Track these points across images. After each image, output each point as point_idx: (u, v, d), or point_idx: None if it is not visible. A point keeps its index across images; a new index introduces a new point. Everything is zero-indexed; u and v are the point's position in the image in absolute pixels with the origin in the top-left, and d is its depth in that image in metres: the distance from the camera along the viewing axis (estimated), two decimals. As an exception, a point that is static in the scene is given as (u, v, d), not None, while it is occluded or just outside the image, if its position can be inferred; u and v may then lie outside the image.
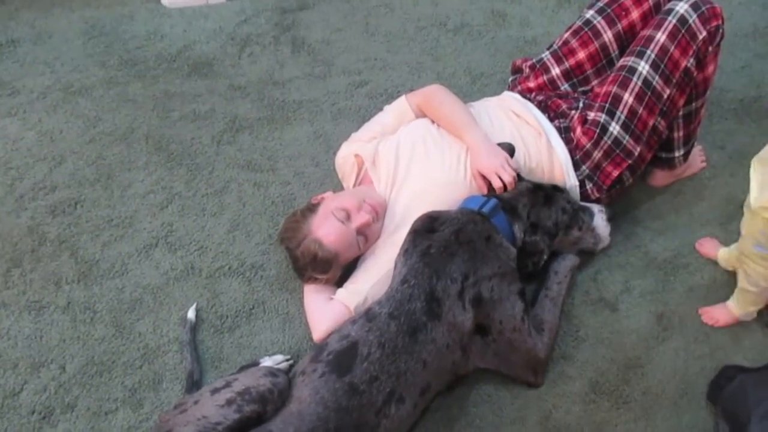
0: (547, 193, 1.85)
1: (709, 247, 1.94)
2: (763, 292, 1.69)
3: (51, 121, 2.38)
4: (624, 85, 1.86)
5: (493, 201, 1.77)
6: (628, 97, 1.86)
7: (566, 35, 2.08)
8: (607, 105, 1.89)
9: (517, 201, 1.81)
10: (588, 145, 1.92)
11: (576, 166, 1.94)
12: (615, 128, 1.89)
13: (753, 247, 1.60)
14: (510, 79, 2.23)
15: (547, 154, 1.94)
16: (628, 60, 1.87)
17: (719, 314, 1.80)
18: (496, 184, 1.82)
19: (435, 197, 1.85)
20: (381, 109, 2.11)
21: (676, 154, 2.01)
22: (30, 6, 2.81)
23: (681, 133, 1.97)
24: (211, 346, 1.83)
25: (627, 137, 1.89)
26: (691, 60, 1.81)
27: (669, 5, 1.84)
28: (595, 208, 1.92)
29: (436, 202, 1.83)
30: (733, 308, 1.77)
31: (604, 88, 1.92)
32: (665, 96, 1.85)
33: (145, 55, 2.60)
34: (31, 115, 2.40)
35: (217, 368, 1.79)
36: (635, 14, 1.97)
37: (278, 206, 2.12)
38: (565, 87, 2.09)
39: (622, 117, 1.88)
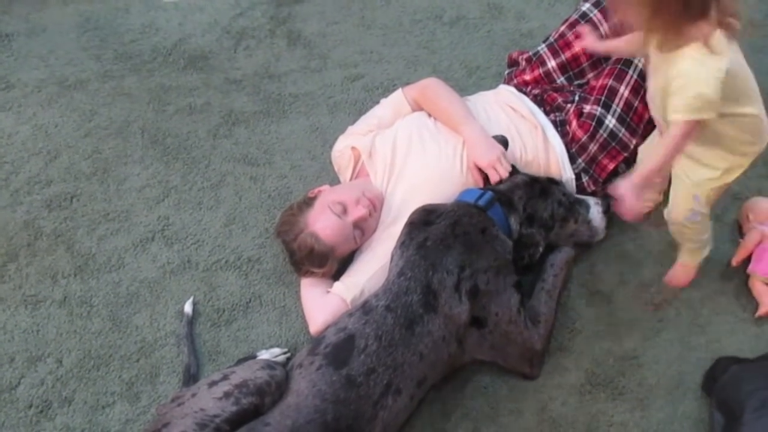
0: (543, 186, 1.85)
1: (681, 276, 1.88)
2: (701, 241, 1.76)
3: (46, 115, 2.37)
4: (620, 78, 1.86)
5: (489, 194, 1.78)
6: (623, 90, 1.86)
7: (562, 28, 2.07)
8: (603, 98, 1.89)
9: (513, 193, 1.81)
10: (584, 139, 1.92)
11: (572, 159, 1.95)
12: (611, 121, 1.89)
13: (684, 219, 1.67)
14: (506, 72, 2.23)
15: (543, 148, 1.94)
16: (624, 53, 1.87)
17: (680, 275, 1.82)
18: (493, 177, 1.82)
19: (431, 190, 1.85)
20: (377, 103, 2.11)
21: (672, 146, 2.01)
22: (24, -1, 2.79)
23: (676, 126, 1.97)
24: (208, 339, 1.84)
25: (623, 130, 1.89)
26: (687, 52, 1.81)
27: (665, -2, 1.84)
28: (591, 200, 1.92)
29: (432, 195, 1.83)
30: (689, 261, 1.79)
31: (600, 81, 1.92)
32: (661, 89, 1.85)
33: (141, 49, 2.59)
34: (25, 109, 2.38)
35: (214, 361, 1.80)
36: (631, 7, 1.97)
37: (275, 200, 2.12)
38: (561, 80, 2.09)
39: (618, 110, 1.88)
